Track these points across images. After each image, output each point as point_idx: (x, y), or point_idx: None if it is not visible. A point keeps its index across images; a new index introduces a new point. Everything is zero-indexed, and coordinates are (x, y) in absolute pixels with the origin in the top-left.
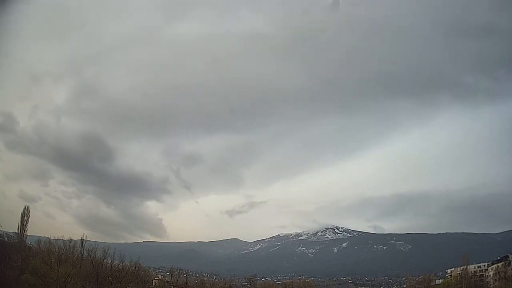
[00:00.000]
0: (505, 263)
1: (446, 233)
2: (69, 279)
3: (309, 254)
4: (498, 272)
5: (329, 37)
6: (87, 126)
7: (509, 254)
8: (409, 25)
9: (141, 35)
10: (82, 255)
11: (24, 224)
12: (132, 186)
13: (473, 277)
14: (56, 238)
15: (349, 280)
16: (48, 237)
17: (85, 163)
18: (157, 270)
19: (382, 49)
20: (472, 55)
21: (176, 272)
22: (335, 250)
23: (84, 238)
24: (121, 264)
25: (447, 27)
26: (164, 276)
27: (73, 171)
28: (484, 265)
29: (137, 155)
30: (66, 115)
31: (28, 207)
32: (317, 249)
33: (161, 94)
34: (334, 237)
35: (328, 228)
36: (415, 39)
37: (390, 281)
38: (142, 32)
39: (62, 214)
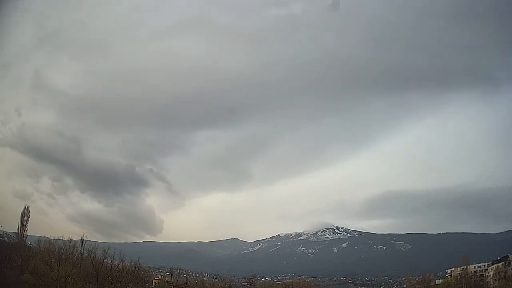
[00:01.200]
0: (505, 263)
1: (446, 233)
2: (69, 279)
3: (309, 254)
4: (498, 272)
5: (338, 29)
6: (49, 120)
7: (509, 254)
8: (418, 13)
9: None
10: (82, 255)
11: (24, 224)
12: (127, 184)
13: (473, 277)
14: (56, 238)
15: (349, 280)
16: (48, 237)
17: (62, 158)
18: (157, 270)
19: (384, 42)
20: (477, 45)
21: (176, 272)
22: (335, 250)
23: (84, 238)
24: (121, 264)
25: (453, 14)
26: (164, 276)
27: (50, 165)
28: (484, 265)
29: (121, 150)
30: (25, 109)
31: (28, 207)
32: (317, 249)
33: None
34: (334, 237)
35: (328, 228)
36: (422, 29)
37: (390, 281)
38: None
39: (53, 212)
